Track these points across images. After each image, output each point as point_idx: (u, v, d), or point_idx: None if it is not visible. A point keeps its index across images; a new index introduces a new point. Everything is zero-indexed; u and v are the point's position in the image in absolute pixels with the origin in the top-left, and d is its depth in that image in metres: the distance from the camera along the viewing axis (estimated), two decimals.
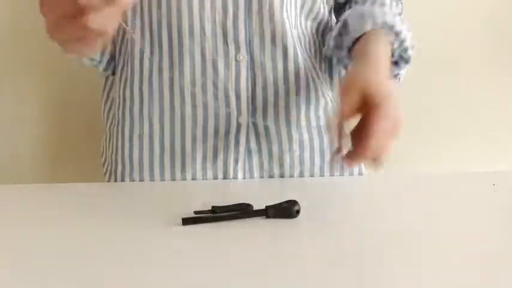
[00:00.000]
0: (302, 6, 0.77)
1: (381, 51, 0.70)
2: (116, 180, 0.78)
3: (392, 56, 0.75)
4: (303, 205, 0.59)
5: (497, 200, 0.66)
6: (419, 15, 1.09)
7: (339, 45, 0.77)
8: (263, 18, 0.72)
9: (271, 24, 0.73)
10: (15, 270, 0.46)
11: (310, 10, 0.78)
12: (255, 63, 0.73)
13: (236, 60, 0.72)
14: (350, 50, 0.76)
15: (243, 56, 0.72)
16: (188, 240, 0.52)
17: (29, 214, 0.62)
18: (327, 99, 0.80)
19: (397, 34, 0.73)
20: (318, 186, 0.75)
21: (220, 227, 0.55)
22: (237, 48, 0.72)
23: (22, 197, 0.70)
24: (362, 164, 0.82)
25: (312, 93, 0.78)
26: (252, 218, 0.57)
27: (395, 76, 0.80)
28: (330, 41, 0.78)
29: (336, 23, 0.80)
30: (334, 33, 0.77)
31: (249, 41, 0.72)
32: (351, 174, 0.82)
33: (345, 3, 0.84)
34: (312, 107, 0.78)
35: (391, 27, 0.72)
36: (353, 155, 0.63)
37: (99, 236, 0.54)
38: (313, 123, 0.78)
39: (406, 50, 0.75)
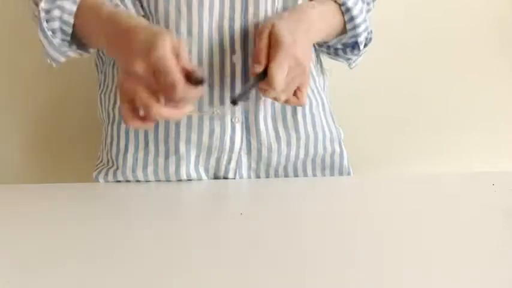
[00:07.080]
0: None
1: (316, 13, 0.72)
2: (106, 176, 0.78)
3: (342, 34, 0.77)
4: (296, 205, 0.59)
5: (497, 200, 0.66)
6: (419, 13, 1.09)
7: None
8: (258, 21, 0.72)
9: None
10: (13, 270, 0.46)
11: None
12: (249, 65, 0.73)
13: (231, 62, 0.72)
14: None
15: (238, 58, 0.73)
16: (188, 241, 0.52)
17: (25, 214, 0.62)
18: (317, 99, 0.80)
19: (352, 18, 0.75)
20: (310, 186, 0.75)
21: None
22: (232, 51, 0.72)
23: (15, 197, 0.70)
24: (348, 164, 0.82)
25: None
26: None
27: (348, 60, 0.82)
28: None
29: None
30: None
31: (244, 43, 0.73)
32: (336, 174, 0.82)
33: None
34: (304, 106, 0.78)
35: (347, 9, 0.74)
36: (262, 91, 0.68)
37: (98, 236, 0.54)
38: (306, 120, 0.78)
39: (358, 35, 0.76)
